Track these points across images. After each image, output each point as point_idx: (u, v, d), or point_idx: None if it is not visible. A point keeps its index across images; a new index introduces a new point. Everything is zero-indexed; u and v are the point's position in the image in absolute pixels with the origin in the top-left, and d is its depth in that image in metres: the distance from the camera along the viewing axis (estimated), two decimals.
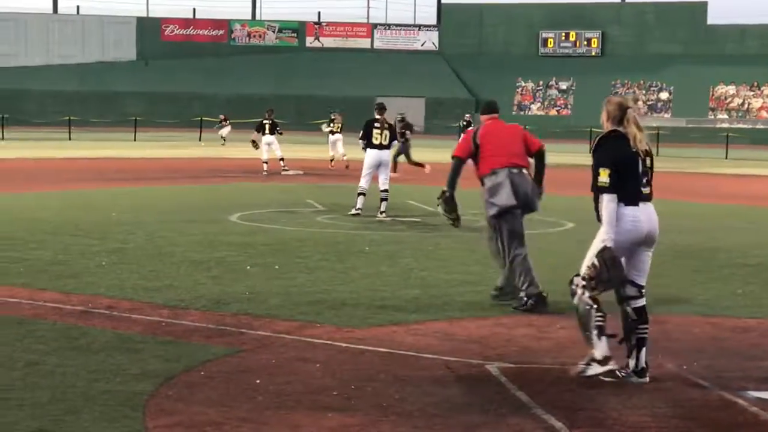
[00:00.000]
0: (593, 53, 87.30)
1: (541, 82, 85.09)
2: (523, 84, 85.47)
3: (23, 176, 25.88)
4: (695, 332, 8.28)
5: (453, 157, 9.65)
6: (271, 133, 28.73)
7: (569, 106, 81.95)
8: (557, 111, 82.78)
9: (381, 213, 16.86)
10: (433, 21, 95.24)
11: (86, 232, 13.89)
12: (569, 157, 37.76)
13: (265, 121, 28.88)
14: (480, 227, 15.77)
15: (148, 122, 65.11)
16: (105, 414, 5.65)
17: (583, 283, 6.60)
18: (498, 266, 9.57)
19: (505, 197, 9.19)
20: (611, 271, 6.49)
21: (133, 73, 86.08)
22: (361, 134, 17.57)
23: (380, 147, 17.30)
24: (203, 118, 59.31)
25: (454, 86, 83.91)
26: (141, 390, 6.13)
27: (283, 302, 9.11)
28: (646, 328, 6.70)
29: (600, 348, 6.61)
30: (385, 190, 17.13)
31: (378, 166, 17.27)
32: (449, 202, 9.69)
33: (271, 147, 28.72)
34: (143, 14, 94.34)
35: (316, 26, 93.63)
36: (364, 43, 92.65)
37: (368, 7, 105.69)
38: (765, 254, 13.19)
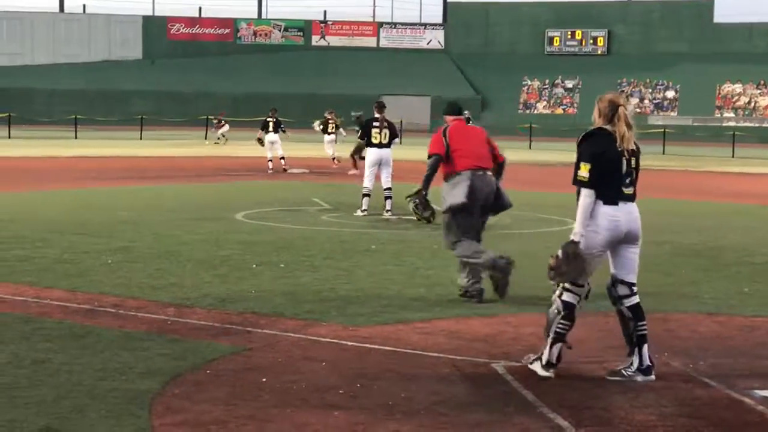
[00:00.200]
0: (599, 52, 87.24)
1: (547, 81, 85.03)
2: (529, 82, 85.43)
3: (29, 175, 25.91)
4: (701, 331, 8.26)
5: (431, 155, 9.72)
6: (275, 131, 28.83)
7: (575, 105, 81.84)
8: (563, 110, 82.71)
9: (387, 212, 16.85)
10: (439, 20, 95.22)
11: (92, 231, 13.90)
12: (574, 155, 37.64)
13: (268, 119, 29.01)
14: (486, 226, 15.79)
15: (154, 121, 65.19)
16: (111, 412, 5.65)
17: (567, 285, 6.67)
18: (477, 262, 9.62)
19: (458, 196, 9.35)
20: (570, 265, 6.53)
21: (139, 72, 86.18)
22: (360, 133, 17.56)
23: (380, 146, 17.29)
24: (209, 117, 59.39)
25: (460, 85, 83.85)
26: (147, 388, 6.13)
27: (288, 301, 9.10)
28: (644, 325, 6.69)
29: (548, 353, 6.65)
30: (389, 188, 17.12)
31: (379, 164, 17.26)
32: (424, 200, 9.79)
33: (273, 146, 28.82)
34: (149, 13, 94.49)
35: (322, 25, 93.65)
36: (370, 41, 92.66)
37: (374, 5, 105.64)
38: None
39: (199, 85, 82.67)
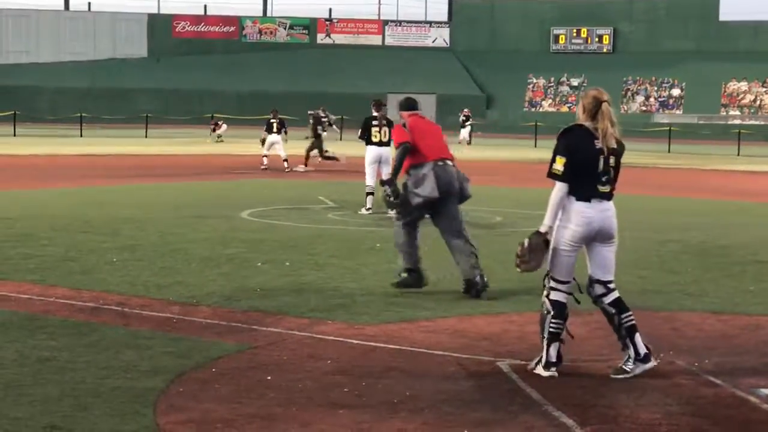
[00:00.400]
0: (605, 50, 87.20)
1: (552, 79, 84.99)
2: (535, 80, 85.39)
3: (35, 173, 25.93)
4: (707, 329, 8.25)
5: (401, 143, 9.84)
6: (278, 132, 28.89)
7: None
8: (569, 108, 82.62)
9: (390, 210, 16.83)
10: (445, 17, 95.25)
11: (97, 229, 13.91)
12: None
13: (272, 120, 29.15)
14: (492, 224, 15.77)
15: (159, 119, 65.25)
16: (115, 410, 5.65)
17: (552, 284, 6.68)
18: (401, 254, 9.75)
19: (429, 189, 9.52)
20: (530, 255, 6.63)
21: (145, 70, 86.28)
22: (360, 132, 17.56)
23: (380, 144, 17.29)
24: (214, 115, 59.41)
25: (466, 83, 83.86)
26: (152, 386, 6.14)
27: (293, 299, 9.10)
28: (630, 315, 6.69)
29: (546, 354, 6.65)
30: None
31: (378, 162, 17.25)
32: (396, 189, 9.86)
33: (274, 146, 28.82)
34: (154, 11, 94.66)
35: (327, 23, 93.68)
36: (375, 39, 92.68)
37: (379, 3, 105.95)
38: None
39: (204, 83, 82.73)
